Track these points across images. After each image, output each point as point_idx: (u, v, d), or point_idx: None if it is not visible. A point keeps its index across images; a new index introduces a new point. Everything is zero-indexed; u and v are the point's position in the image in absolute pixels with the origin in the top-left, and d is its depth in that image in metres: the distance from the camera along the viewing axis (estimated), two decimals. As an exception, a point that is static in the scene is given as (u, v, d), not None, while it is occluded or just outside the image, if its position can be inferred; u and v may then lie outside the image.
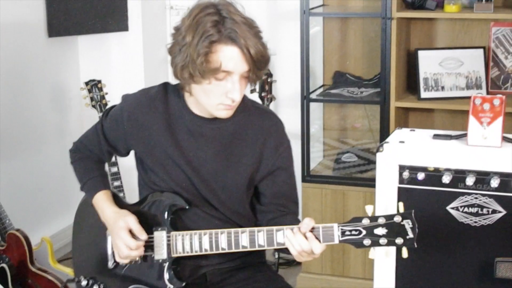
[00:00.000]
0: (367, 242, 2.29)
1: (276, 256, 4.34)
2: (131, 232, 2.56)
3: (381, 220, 2.28)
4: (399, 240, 2.28)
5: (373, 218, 2.30)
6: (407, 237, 2.28)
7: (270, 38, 4.69)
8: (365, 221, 2.29)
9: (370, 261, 4.11)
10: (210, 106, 2.46)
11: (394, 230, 2.28)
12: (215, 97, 2.43)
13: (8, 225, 3.77)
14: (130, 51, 4.81)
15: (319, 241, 2.33)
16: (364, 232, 2.29)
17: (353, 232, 2.30)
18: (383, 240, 2.28)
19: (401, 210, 2.32)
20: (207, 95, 2.43)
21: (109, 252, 2.70)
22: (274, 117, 2.67)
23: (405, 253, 2.32)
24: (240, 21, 2.36)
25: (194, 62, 2.34)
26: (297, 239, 2.33)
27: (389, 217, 2.28)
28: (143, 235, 2.56)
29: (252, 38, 2.35)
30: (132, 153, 2.77)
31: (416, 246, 2.29)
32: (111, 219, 2.62)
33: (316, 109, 4.48)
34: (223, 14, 2.36)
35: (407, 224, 2.27)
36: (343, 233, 2.31)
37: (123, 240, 2.55)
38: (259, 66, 2.40)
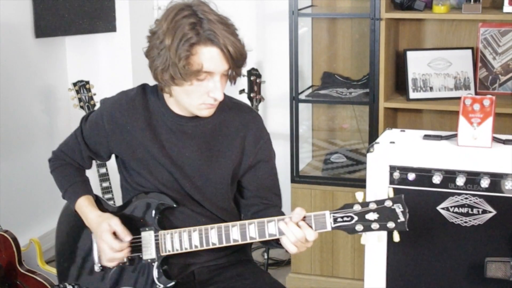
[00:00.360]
0: (359, 227, 2.31)
1: (266, 256, 4.34)
2: (115, 234, 2.56)
3: (372, 205, 2.30)
4: (391, 224, 2.29)
5: (364, 204, 2.32)
6: (398, 220, 2.29)
7: (259, 38, 4.72)
8: (357, 207, 2.31)
9: (359, 261, 4.14)
10: (192, 106, 2.48)
11: (385, 214, 2.30)
12: (197, 98, 2.44)
13: (-4, 226, 3.76)
14: (118, 52, 4.80)
15: (312, 228, 2.34)
16: (356, 218, 2.31)
17: (345, 219, 2.32)
18: (375, 225, 2.30)
19: (391, 195, 2.33)
20: (188, 96, 2.45)
21: (95, 255, 2.70)
22: (252, 111, 2.70)
23: (396, 237, 2.33)
24: (216, 21, 2.37)
25: (175, 66, 2.36)
26: (290, 229, 2.34)
27: (380, 202, 2.31)
28: (127, 237, 2.56)
29: (230, 37, 2.37)
30: (113, 157, 2.77)
31: (407, 229, 2.30)
32: (95, 223, 2.62)
33: (304, 109, 4.48)
34: (199, 15, 2.37)
35: (398, 208, 2.29)
36: (335, 220, 2.33)
37: (107, 242, 2.55)
38: (238, 64, 2.43)
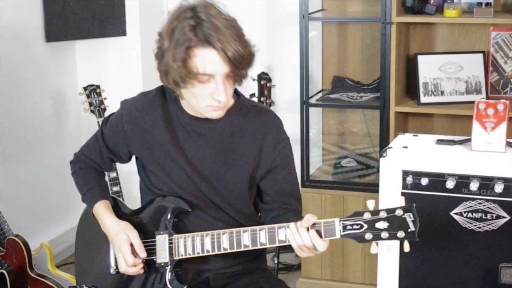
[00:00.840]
0: (368, 236, 2.29)
1: (276, 261, 4.33)
2: (132, 247, 2.57)
3: (383, 214, 2.28)
4: (401, 234, 2.27)
5: (375, 212, 2.29)
6: (409, 230, 2.26)
7: (269, 42, 4.71)
8: (367, 215, 2.29)
9: (370, 266, 4.13)
10: (200, 108, 2.48)
11: (395, 223, 2.27)
12: (202, 100, 2.44)
13: (7, 230, 3.75)
14: (128, 56, 4.80)
15: (321, 236, 2.33)
16: (365, 226, 2.29)
17: (355, 227, 2.30)
18: (384, 234, 2.27)
19: (403, 203, 2.31)
20: (195, 98, 2.45)
21: (111, 258, 2.71)
22: (272, 114, 2.67)
23: (406, 247, 2.30)
24: (218, 23, 2.35)
25: (173, 69, 2.36)
26: (300, 233, 2.34)
27: (391, 211, 2.28)
28: (143, 253, 2.57)
29: (230, 39, 2.35)
30: (133, 158, 2.77)
31: (417, 239, 2.27)
32: (113, 230, 2.62)
33: (313, 113, 4.46)
34: (202, 17, 2.35)
35: (409, 217, 2.27)
36: (344, 228, 2.31)
37: (124, 254, 2.56)
38: (239, 66, 2.40)
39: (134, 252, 2.57)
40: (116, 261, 2.67)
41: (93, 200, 2.71)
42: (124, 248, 2.56)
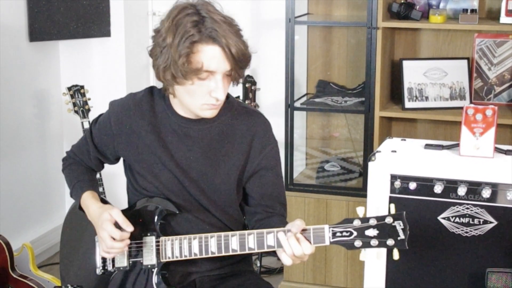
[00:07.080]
0: (358, 243, 2.28)
1: (258, 264, 4.33)
2: (117, 225, 2.52)
3: (372, 221, 2.27)
4: (390, 242, 2.26)
5: (364, 219, 2.28)
6: (398, 238, 2.26)
7: (254, 46, 4.70)
8: (356, 222, 2.28)
9: (352, 270, 4.14)
10: (194, 106, 2.46)
11: (385, 231, 2.27)
12: (199, 97, 2.43)
13: (-11, 231, 3.73)
14: (112, 57, 4.78)
15: (310, 242, 2.32)
16: (355, 233, 2.28)
17: (344, 234, 2.29)
18: (374, 242, 2.27)
19: (393, 211, 2.31)
20: (190, 95, 2.43)
21: (97, 258, 2.68)
22: (261, 117, 2.67)
23: (396, 255, 2.30)
24: (220, 20, 2.36)
25: (176, 64, 2.34)
26: (290, 242, 2.32)
27: (381, 218, 2.28)
28: (129, 227, 2.50)
29: (233, 37, 2.36)
30: (121, 160, 2.76)
31: (407, 247, 2.27)
32: (96, 214, 2.58)
33: (296, 117, 4.46)
34: (203, 13, 2.36)
35: (398, 225, 2.26)
36: (334, 235, 2.30)
37: (107, 230, 2.48)
38: (241, 65, 2.41)
39: (119, 229, 2.50)
40: (102, 261, 2.65)
41: (80, 191, 2.69)
42: (106, 225, 2.48)
